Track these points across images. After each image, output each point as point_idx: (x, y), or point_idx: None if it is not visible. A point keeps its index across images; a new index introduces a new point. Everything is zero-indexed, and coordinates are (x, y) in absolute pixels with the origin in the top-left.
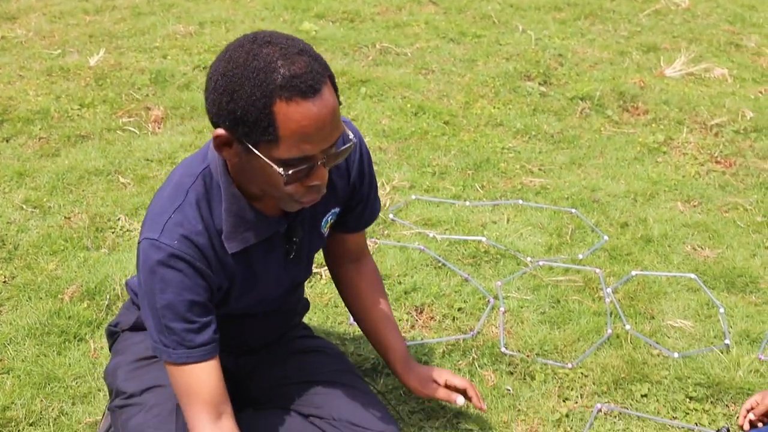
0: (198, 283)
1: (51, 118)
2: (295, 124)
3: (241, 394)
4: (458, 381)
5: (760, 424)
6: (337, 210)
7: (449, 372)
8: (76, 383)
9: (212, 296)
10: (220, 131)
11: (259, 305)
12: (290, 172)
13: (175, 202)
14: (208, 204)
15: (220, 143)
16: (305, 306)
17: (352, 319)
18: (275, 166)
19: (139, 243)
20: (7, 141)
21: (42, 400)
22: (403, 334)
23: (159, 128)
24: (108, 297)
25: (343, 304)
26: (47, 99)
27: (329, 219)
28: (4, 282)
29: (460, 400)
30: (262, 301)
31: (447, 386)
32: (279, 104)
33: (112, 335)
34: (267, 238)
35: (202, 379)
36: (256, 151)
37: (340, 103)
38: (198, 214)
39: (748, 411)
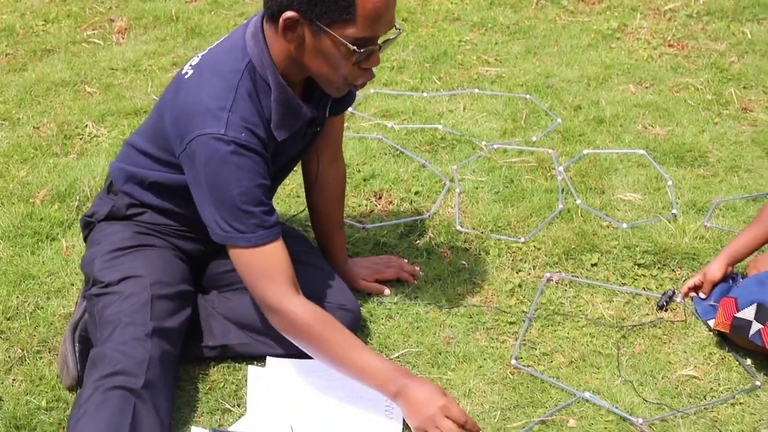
0: (265, 169)
1: (17, 35)
2: (371, 4)
3: (204, 278)
4: (388, 274)
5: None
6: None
7: (381, 266)
8: (50, 279)
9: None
10: (291, 14)
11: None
12: (362, 50)
13: (229, 97)
14: (258, 97)
15: (286, 26)
16: None
17: None
18: (349, 45)
19: (197, 137)
20: None
21: (18, 296)
22: (362, 219)
23: (123, 39)
24: (78, 198)
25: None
26: (12, 16)
27: (329, 104)
28: None
29: (387, 291)
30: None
31: (378, 281)
32: None
33: (87, 225)
34: (302, 128)
35: (280, 257)
36: (330, 31)
37: None
38: (252, 106)
39: (690, 289)
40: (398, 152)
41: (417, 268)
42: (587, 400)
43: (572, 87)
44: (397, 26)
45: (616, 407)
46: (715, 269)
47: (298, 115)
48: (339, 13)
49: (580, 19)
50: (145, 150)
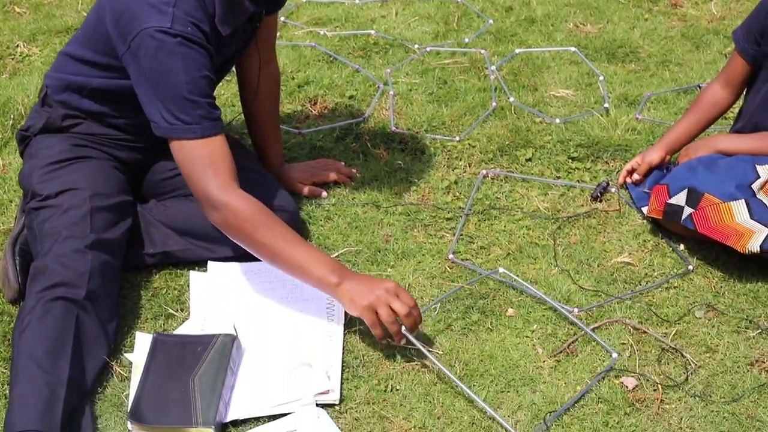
0: (210, 63)
1: None
2: None
3: (142, 187)
4: (325, 176)
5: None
6: None
7: (317, 169)
8: None
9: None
10: None
11: None
12: None
13: None
14: None
15: None
16: None
17: None
18: None
19: (141, 32)
20: None
21: None
22: (297, 124)
23: None
24: (12, 117)
25: (240, 103)
26: None
27: None
28: None
29: (324, 194)
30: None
31: (314, 184)
32: None
33: (24, 140)
34: (243, 26)
35: (224, 150)
36: None
37: None
38: (196, 2)
39: (629, 172)
40: (332, 59)
41: (354, 170)
42: (503, 281)
43: None
44: None
45: (553, 296)
46: (653, 153)
47: (241, 9)
48: None
49: None
50: (83, 57)
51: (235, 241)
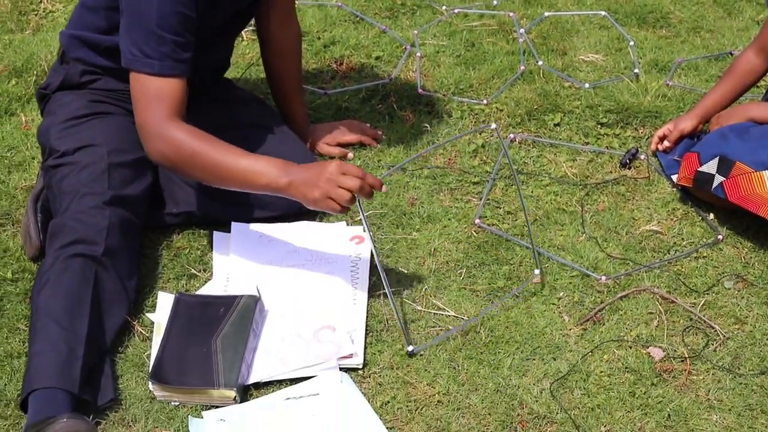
0: (191, 1)
1: None
2: None
3: None
4: (350, 137)
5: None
6: None
7: (343, 131)
8: (11, 153)
9: (197, 16)
10: None
11: (209, 45)
12: None
13: None
14: None
15: None
16: (228, 64)
17: None
18: None
19: None
20: None
21: None
22: (323, 85)
23: None
24: (35, 73)
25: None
26: None
27: None
28: None
29: (350, 154)
30: (216, 39)
31: (339, 145)
32: None
33: (43, 98)
34: None
35: (178, 91)
36: None
37: None
38: None
39: (660, 138)
40: (358, 19)
41: (379, 132)
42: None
43: None
44: None
45: (580, 264)
46: (686, 120)
47: None
48: None
49: None
50: (96, 5)
51: (175, 172)
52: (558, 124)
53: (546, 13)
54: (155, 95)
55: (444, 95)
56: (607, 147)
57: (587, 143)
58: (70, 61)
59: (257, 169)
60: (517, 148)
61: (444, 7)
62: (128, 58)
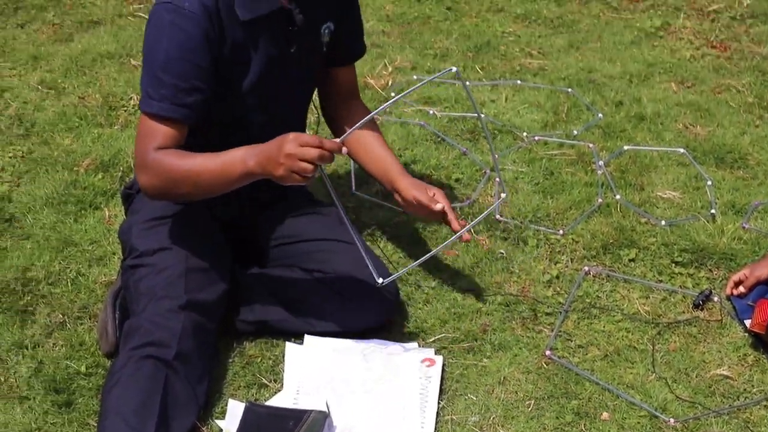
0: (201, 46)
1: (64, 6)
2: None
3: (245, 253)
4: (442, 200)
5: (741, 288)
6: (332, 26)
7: (439, 194)
8: (92, 247)
9: (212, 64)
10: None
11: (260, 107)
12: None
13: None
14: None
15: None
16: None
17: (353, 189)
18: None
19: (152, 8)
20: (21, 27)
21: (60, 263)
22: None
23: None
24: (121, 169)
25: (346, 176)
26: None
27: (326, 31)
28: (22, 156)
29: (438, 206)
30: (263, 99)
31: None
32: None
33: (127, 198)
34: (273, 24)
35: (171, 133)
36: None
37: None
38: None
39: (736, 283)
40: (440, 139)
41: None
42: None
43: (614, 83)
44: None
45: (649, 404)
46: (763, 267)
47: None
48: None
49: (623, 16)
50: None
51: (168, 197)
52: (633, 260)
53: (625, 147)
54: (148, 132)
55: (521, 222)
56: (680, 286)
57: (661, 281)
58: None
59: (229, 161)
60: (591, 282)
61: (525, 134)
62: (141, 100)
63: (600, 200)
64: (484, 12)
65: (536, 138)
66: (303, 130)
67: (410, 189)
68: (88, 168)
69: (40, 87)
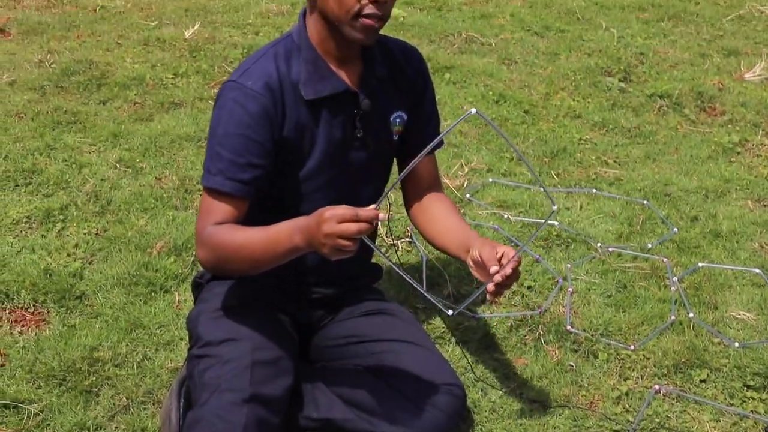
0: (260, 123)
1: (146, 85)
2: None
3: (310, 347)
4: (507, 265)
5: None
6: (404, 116)
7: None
8: (160, 331)
9: (271, 142)
10: None
11: (323, 188)
12: None
13: (257, 56)
14: (286, 61)
15: None
16: (378, 272)
17: (424, 288)
18: None
19: (221, 86)
20: (103, 104)
21: (127, 345)
22: (472, 307)
23: None
24: (194, 253)
25: (418, 276)
26: (143, 67)
27: (397, 121)
28: (96, 234)
29: (493, 268)
30: (328, 185)
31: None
32: None
33: (197, 287)
34: (339, 106)
35: (227, 208)
36: None
37: None
38: (275, 65)
39: None
40: (513, 244)
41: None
42: None
43: (690, 197)
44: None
45: None
46: None
47: (328, 79)
48: None
49: (701, 129)
50: None
51: (222, 272)
52: (704, 381)
53: (700, 264)
54: (207, 207)
55: (592, 335)
56: (752, 411)
57: (732, 404)
58: None
59: (275, 236)
60: (661, 401)
61: (599, 244)
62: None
63: (673, 317)
64: (562, 117)
65: (610, 249)
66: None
67: (478, 247)
68: (161, 250)
69: (118, 165)
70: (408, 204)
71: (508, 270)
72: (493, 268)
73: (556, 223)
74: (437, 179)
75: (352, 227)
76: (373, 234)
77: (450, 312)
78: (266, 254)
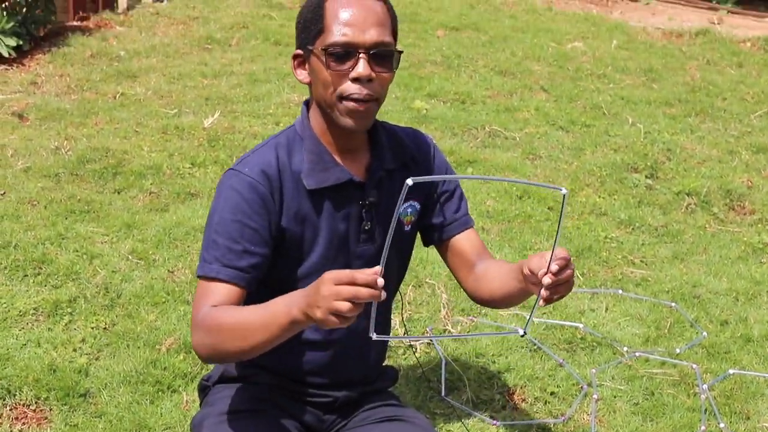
0: (256, 210)
1: (163, 174)
2: (336, 11)
3: None
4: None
5: None
6: (417, 205)
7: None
8: None
9: (269, 230)
10: (295, 51)
11: None
12: (331, 51)
13: (258, 147)
14: (287, 151)
15: (296, 64)
16: (393, 375)
17: (443, 394)
18: (322, 55)
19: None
20: (118, 193)
21: None
22: (494, 414)
23: None
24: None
25: (436, 380)
26: (161, 156)
27: (409, 211)
28: (105, 328)
29: (546, 279)
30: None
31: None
32: (329, 2)
33: (204, 390)
34: (344, 198)
35: (222, 296)
36: (313, 47)
37: (394, 19)
38: (275, 154)
39: None
40: (536, 347)
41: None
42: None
43: (720, 300)
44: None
45: None
46: None
47: (331, 169)
48: (315, 25)
49: (730, 228)
50: None
51: (219, 357)
52: None
53: (731, 371)
54: (201, 294)
55: None
56: None
57: None
58: None
59: (273, 311)
60: None
61: (625, 349)
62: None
63: (703, 428)
64: (587, 215)
65: (637, 354)
66: (386, 313)
67: (527, 262)
68: (170, 347)
69: (130, 257)
70: (466, 286)
71: (553, 267)
72: (541, 272)
73: (581, 325)
74: (484, 249)
75: (349, 291)
76: (385, 326)
77: (521, 331)
78: (263, 331)
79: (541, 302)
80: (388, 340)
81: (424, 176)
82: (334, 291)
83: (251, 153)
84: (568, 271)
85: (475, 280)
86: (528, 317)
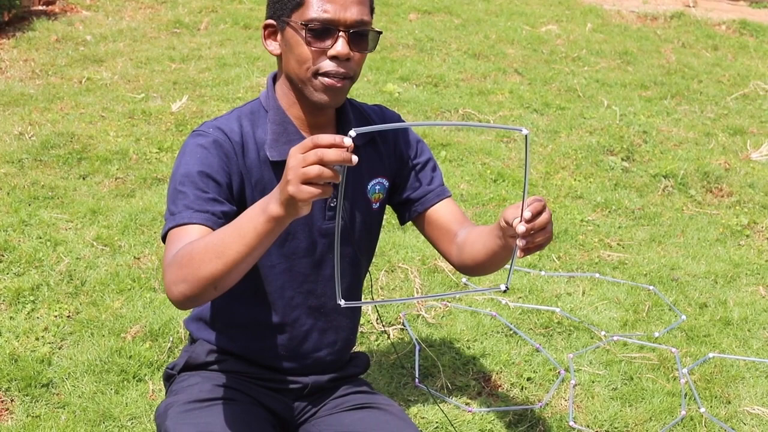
0: (222, 167)
1: (129, 160)
2: None
3: None
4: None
5: None
6: (385, 182)
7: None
8: (131, 423)
9: (231, 191)
10: (267, 21)
11: (290, 258)
12: (311, 27)
13: (220, 117)
14: (251, 121)
15: (266, 35)
16: (365, 361)
17: (417, 381)
18: (300, 30)
19: None
20: (83, 178)
21: None
22: (469, 401)
23: None
24: (171, 339)
25: (410, 366)
26: (127, 140)
27: (377, 188)
28: (68, 317)
29: (520, 227)
30: (292, 250)
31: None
32: None
33: (169, 378)
34: None
35: (195, 237)
36: (290, 20)
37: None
38: (238, 123)
39: None
40: (512, 332)
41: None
42: None
43: (698, 282)
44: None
45: None
46: None
47: (294, 141)
48: (290, 2)
49: (707, 210)
50: None
51: (192, 292)
52: None
53: (710, 354)
54: (171, 241)
55: (597, 431)
56: None
57: None
58: (197, 340)
59: (246, 217)
60: None
61: (603, 333)
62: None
63: (683, 413)
64: (563, 198)
65: (615, 338)
66: (355, 292)
67: (504, 212)
68: (135, 335)
69: (95, 243)
70: (450, 258)
71: (526, 214)
72: (516, 221)
73: (558, 309)
74: (464, 217)
75: (314, 154)
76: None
77: (503, 287)
78: (239, 240)
79: (519, 253)
80: (356, 319)
81: (367, 127)
82: (299, 159)
83: (214, 120)
84: (544, 216)
85: (458, 248)
86: (509, 271)
